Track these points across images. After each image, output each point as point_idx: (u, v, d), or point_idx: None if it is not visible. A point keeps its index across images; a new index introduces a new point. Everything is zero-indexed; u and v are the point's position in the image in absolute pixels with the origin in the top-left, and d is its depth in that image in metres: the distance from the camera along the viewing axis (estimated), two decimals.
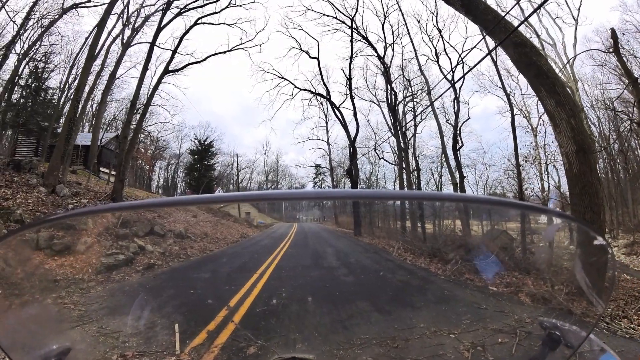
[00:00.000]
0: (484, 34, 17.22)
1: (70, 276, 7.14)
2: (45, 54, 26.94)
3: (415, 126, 26.78)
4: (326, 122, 36.24)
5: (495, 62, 21.76)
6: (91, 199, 14.99)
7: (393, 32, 26.36)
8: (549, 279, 7.54)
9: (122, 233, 9.87)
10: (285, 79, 27.45)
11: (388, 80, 26.15)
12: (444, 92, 22.32)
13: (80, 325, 4.32)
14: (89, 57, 17.51)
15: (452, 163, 29.64)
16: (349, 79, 25.34)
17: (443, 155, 24.65)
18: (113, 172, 29.70)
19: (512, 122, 21.27)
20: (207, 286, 6.52)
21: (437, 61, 24.98)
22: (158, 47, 21.13)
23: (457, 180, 24.10)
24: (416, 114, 25.93)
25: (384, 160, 32.47)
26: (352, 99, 25.56)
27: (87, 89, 21.64)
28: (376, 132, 32.39)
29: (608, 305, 5.11)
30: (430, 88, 24.46)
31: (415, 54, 24.38)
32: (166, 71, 20.57)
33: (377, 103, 29.60)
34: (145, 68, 18.83)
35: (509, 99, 21.60)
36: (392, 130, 27.04)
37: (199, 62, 22.49)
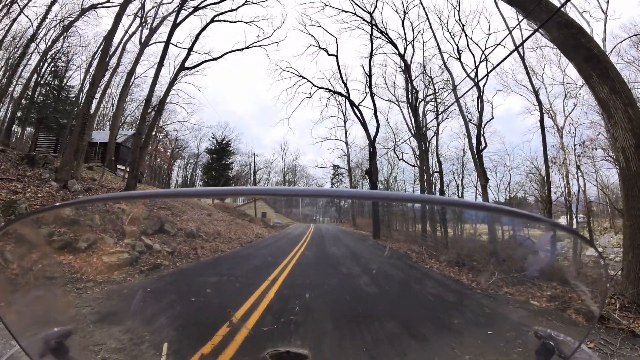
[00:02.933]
0: (510, 27, 16.24)
1: (68, 274, 6.64)
2: (63, 52, 27.17)
3: (438, 125, 25.73)
4: (344, 122, 35.56)
5: (522, 58, 20.63)
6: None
7: (413, 29, 25.48)
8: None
9: (130, 230, 9.35)
10: (303, 77, 26.72)
11: (409, 78, 25.24)
12: (468, 90, 21.28)
13: None
14: (103, 53, 17.27)
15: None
16: (369, 75, 24.46)
17: (471, 155, 23.45)
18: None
19: (541, 121, 20.13)
20: (211, 294, 5.81)
21: (459, 58, 23.97)
22: (174, 45, 20.88)
23: (482, 182, 22.96)
24: (439, 112, 24.87)
25: (404, 161, 31.52)
26: (372, 96, 24.69)
27: (103, 85, 21.65)
28: (395, 133, 31.44)
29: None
30: (455, 85, 23.37)
31: (439, 48, 23.35)
32: (182, 68, 20.23)
33: (397, 103, 28.71)
34: (160, 65, 18.50)
35: (537, 96, 20.40)
36: (413, 130, 26.13)
37: (215, 59, 22.13)
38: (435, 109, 25.54)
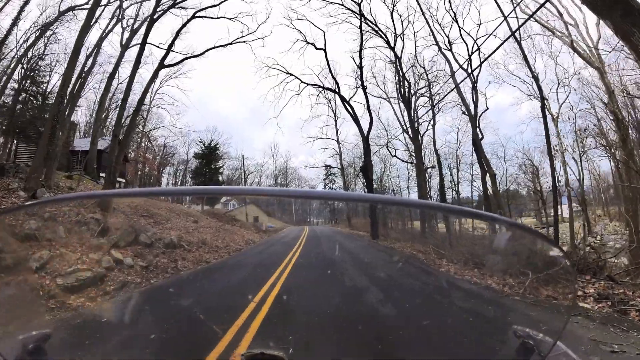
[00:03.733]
0: (504, 13, 15.36)
1: (14, 300, 5.45)
2: (42, 58, 25.78)
3: (434, 116, 24.81)
4: (335, 120, 34.67)
5: (519, 42, 19.78)
6: (71, 208, 13.28)
7: (402, 22, 24.43)
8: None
9: (97, 243, 8.14)
10: (291, 74, 25.66)
11: (400, 70, 24.32)
12: (464, 79, 20.37)
13: None
14: (74, 51, 15.94)
15: (470, 158, 28.12)
16: (360, 67, 23.40)
17: (471, 147, 22.63)
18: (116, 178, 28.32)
19: (542, 107, 19.35)
20: (183, 321, 4.55)
21: (451, 49, 23.16)
22: (155, 46, 19.67)
23: (480, 174, 22.21)
24: (434, 103, 23.92)
25: (397, 158, 30.67)
26: (364, 89, 23.63)
27: (76, 86, 20.30)
28: (387, 130, 30.52)
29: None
30: (448, 76, 22.52)
31: (432, 35, 22.41)
32: (162, 65, 18.91)
33: (387, 99, 27.93)
34: (137, 62, 17.17)
35: (536, 82, 19.54)
36: (407, 123, 25.30)
37: (197, 56, 20.92)
38: (430, 100, 24.63)
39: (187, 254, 10.12)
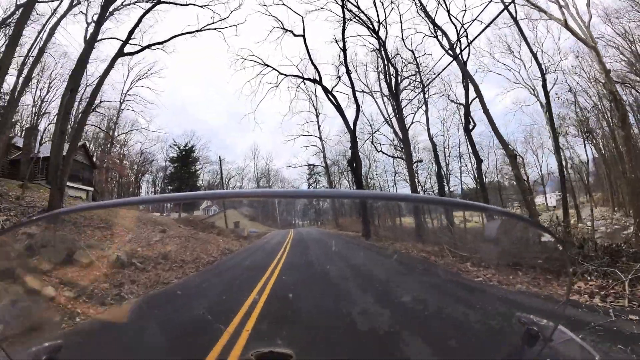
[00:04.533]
0: None
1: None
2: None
3: (425, 101, 23.19)
4: (317, 116, 32.85)
5: (515, 19, 18.43)
6: (9, 217, 10.89)
7: (385, 9, 22.75)
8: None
9: (8, 268, 5.96)
10: (268, 66, 23.74)
11: (386, 57, 22.62)
12: (455, 57, 18.83)
13: None
14: (13, 35, 13.58)
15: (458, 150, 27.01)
16: (344, 50, 21.49)
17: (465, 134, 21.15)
18: (82, 186, 25.92)
19: (544, 86, 18.14)
20: None
21: (436, 36, 21.66)
22: (119, 40, 17.47)
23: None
24: (425, 85, 22.24)
25: (383, 153, 29.10)
26: (348, 74, 21.72)
27: (27, 81, 17.82)
28: (372, 124, 28.84)
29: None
30: (434, 63, 21.01)
31: (423, 8, 20.68)
32: (120, 53, 16.64)
33: (370, 92, 26.36)
34: (90, 47, 14.84)
35: (536, 59, 18.21)
36: (389, 118, 23.77)
37: (161, 43, 18.77)
38: (420, 84, 22.94)
39: (138, 275, 7.84)
